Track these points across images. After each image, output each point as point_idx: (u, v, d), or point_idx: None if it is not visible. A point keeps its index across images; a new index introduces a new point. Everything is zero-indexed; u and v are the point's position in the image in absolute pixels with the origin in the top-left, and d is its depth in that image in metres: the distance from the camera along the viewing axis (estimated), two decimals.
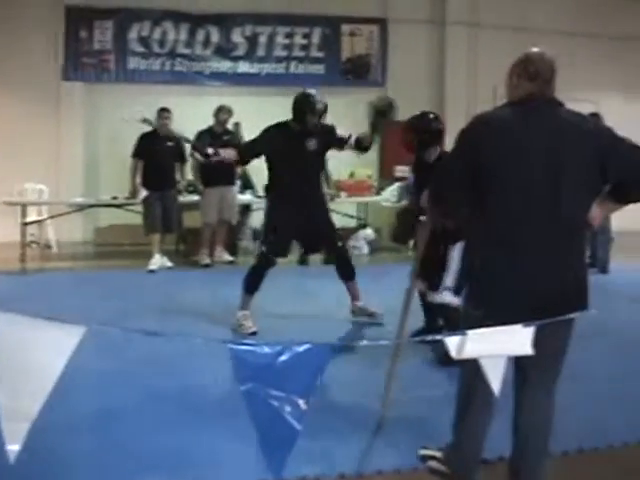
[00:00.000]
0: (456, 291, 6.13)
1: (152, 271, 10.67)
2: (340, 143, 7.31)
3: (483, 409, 3.78)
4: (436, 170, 3.98)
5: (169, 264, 11.05)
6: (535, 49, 3.72)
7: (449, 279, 6.23)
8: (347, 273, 7.56)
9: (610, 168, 3.49)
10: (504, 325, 2.93)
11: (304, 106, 7.21)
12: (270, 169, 7.41)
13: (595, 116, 9.93)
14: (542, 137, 3.47)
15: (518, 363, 3.61)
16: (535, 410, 3.75)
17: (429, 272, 6.09)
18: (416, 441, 4.46)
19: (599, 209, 3.65)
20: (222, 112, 11.23)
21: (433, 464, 4.20)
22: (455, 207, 3.78)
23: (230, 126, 11.30)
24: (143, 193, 11.00)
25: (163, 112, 11.05)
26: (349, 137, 7.25)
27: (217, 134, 11.11)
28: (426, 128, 6.33)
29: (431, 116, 6.46)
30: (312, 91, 7.34)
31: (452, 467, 4.06)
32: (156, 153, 10.90)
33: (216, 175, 10.96)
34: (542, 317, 3.06)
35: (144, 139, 11.04)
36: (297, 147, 7.21)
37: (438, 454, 4.19)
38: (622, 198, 3.69)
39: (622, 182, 3.58)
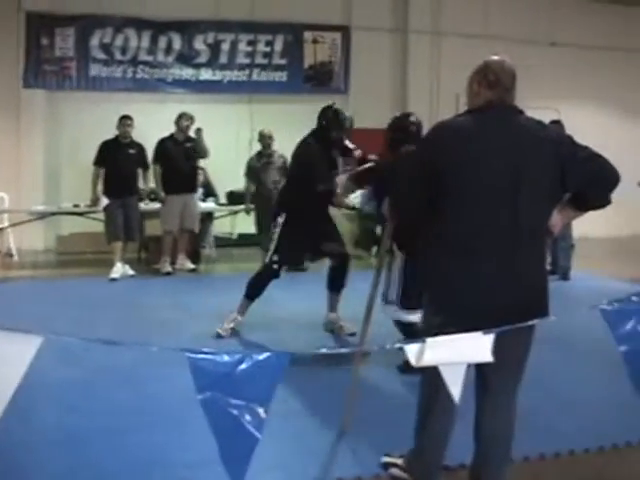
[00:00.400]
0: (402, 304, 6.04)
1: (114, 279, 10.58)
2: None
3: (444, 415, 3.78)
4: (397, 179, 3.91)
5: (131, 272, 10.98)
6: (495, 57, 3.74)
7: (392, 292, 6.09)
8: (341, 283, 7.52)
9: (569, 176, 3.51)
10: (464, 332, 2.91)
11: (333, 122, 7.18)
12: (301, 184, 7.18)
13: (557, 123, 10.03)
14: (502, 145, 3.49)
15: (479, 369, 3.59)
16: (497, 416, 3.76)
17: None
18: (378, 449, 4.45)
19: (559, 216, 3.70)
20: (183, 119, 11.18)
21: (395, 471, 4.20)
22: (414, 215, 3.83)
23: (192, 133, 11.25)
24: (104, 201, 10.90)
25: (125, 119, 10.99)
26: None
27: (179, 141, 11.09)
28: (401, 126, 6.28)
29: (411, 118, 6.38)
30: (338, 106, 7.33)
31: (414, 474, 4.05)
32: (118, 160, 10.82)
33: (178, 183, 10.95)
34: (501, 324, 3.01)
35: (106, 146, 10.97)
36: (330, 163, 7.23)
37: (400, 461, 4.20)
38: (582, 205, 3.74)
39: (581, 190, 3.62)
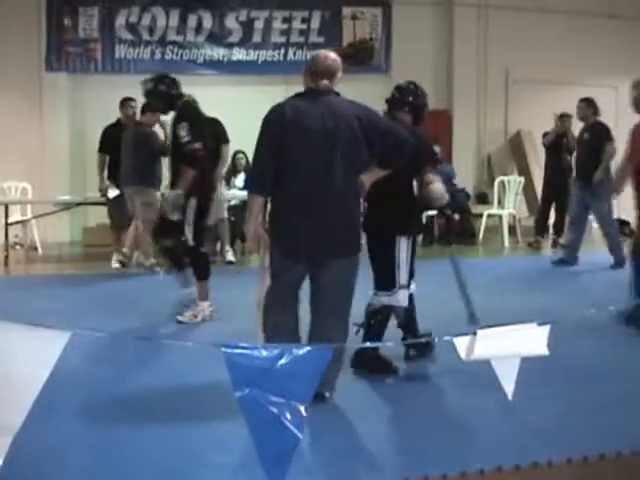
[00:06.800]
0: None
1: (117, 268, 10.91)
2: None
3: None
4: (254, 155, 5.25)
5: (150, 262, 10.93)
6: (321, 52, 5.33)
7: (402, 276, 5.95)
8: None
9: (374, 143, 5.06)
10: (293, 259, 5.05)
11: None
12: None
13: (586, 101, 10.19)
14: (319, 120, 4.94)
15: (312, 291, 5.22)
16: (325, 326, 5.14)
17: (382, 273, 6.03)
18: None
19: (368, 175, 5.26)
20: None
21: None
22: (269, 181, 5.03)
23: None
24: (114, 191, 10.97)
25: (127, 102, 11.23)
26: None
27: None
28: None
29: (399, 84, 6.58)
30: None
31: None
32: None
33: None
34: (318, 258, 5.05)
35: (107, 132, 11.32)
36: None
37: None
38: (384, 165, 5.31)
39: (385, 154, 5.20)
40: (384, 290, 5.91)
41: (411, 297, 6.12)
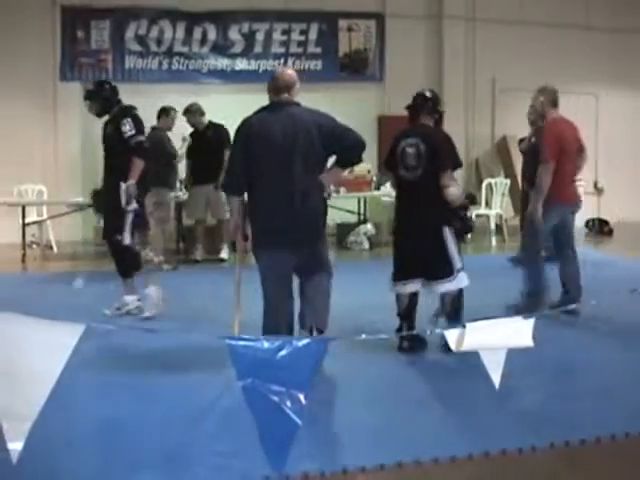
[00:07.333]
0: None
1: None
2: None
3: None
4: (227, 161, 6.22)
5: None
6: (280, 69, 6.05)
7: (458, 261, 6.32)
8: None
9: (330, 145, 5.56)
10: (267, 249, 5.62)
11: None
12: None
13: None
14: (281, 129, 5.50)
15: (297, 273, 5.85)
16: (311, 298, 5.81)
17: (428, 263, 6.27)
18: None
19: (327, 174, 5.77)
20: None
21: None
22: (241, 183, 5.69)
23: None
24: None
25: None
26: None
27: (201, 133, 11.44)
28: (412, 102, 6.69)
29: (422, 92, 6.69)
30: None
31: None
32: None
33: (202, 174, 11.10)
34: (287, 247, 5.56)
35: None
36: None
37: None
38: (341, 164, 5.91)
39: (339, 154, 5.70)
40: (445, 278, 6.27)
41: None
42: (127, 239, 7.47)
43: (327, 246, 6.14)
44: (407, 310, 6.43)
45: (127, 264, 7.71)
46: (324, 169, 5.74)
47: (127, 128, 7.49)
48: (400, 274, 6.40)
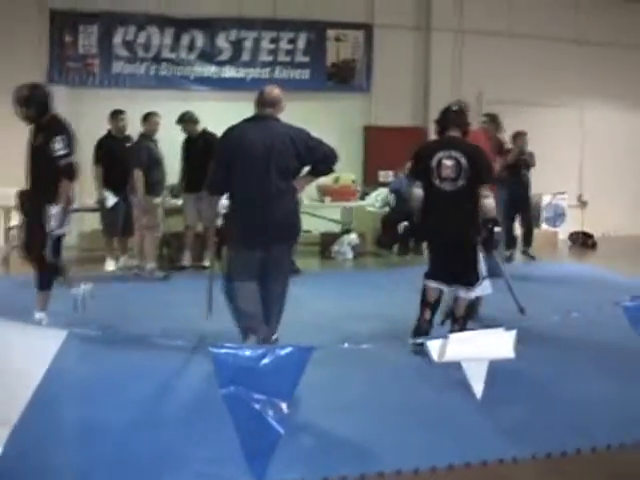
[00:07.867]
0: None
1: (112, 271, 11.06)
2: None
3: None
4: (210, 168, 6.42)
5: (135, 262, 11.05)
6: (270, 86, 6.48)
7: (484, 270, 6.76)
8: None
9: (304, 156, 6.11)
10: (247, 248, 6.14)
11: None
12: None
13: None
14: (260, 139, 6.02)
15: (262, 274, 6.21)
16: (271, 297, 6.29)
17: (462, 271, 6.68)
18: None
19: (300, 181, 6.35)
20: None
21: None
22: (221, 184, 6.26)
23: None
24: (112, 199, 11.08)
25: (118, 114, 11.27)
26: None
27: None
28: (440, 116, 7.15)
29: (450, 106, 7.20)
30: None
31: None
32: (116, 158, 10.98)
33: (193, 180, 11.06)
34: (263, 246, 6.13)
35: (100, 144, 11.31)
36: None
37: None
38: (315, 174, 6.46)
39: (313, 164, 6.23)
40: (471, 286, 6.71)
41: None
42: (50, 257, 7.19)
43: (293, 251, 6.87)
44: (433, 298, 6.81)
45: (47, 278, 7.37)
46: (297, 177, 6.33)
47: (58, 147, 7.24)
48: (433, 275, 6.82)
